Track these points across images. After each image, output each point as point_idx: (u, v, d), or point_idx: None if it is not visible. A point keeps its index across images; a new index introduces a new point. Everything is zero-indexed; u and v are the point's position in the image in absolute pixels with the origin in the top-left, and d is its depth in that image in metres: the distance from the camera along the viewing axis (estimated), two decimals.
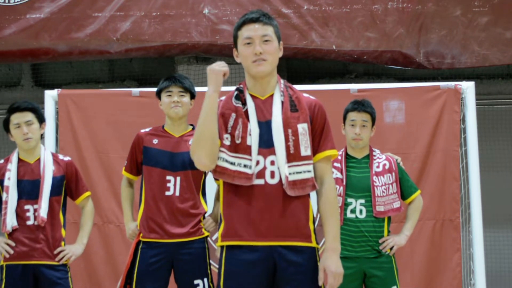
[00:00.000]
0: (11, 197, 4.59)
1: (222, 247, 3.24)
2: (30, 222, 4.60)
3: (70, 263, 4.76)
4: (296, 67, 8.76)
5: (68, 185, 4.81)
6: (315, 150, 3.28)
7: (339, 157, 4.74)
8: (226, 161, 3.21)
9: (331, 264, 3.16)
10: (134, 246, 4.68)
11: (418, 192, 4.84)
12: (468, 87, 6.16)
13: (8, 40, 7.46)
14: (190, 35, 7.43)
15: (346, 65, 8.83)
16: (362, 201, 4.65)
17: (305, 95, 3.40)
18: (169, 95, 4.74)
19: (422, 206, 4.89)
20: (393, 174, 4.72)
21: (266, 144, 3.21)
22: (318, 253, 3.24)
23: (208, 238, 4.80)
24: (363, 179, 4.69)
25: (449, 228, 6.07)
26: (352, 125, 4.74)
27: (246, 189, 3.17)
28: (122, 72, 8.94)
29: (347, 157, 4.77)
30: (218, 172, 3.22)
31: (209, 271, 4.71)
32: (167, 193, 4.66)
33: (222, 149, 3.21)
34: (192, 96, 4.83)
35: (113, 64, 8.97)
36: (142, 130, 4.85)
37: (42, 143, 4.92)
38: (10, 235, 4.60)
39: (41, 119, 4.73)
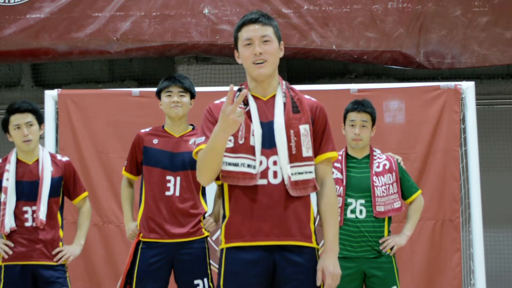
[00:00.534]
0: (10, 198, 4.57)
1: (222, 249, 3.25)
2: (28, 224, 4.59)
3: (68, 263, 4.76)
4: (296, 67, 8.76)
5: (66, 186, 4.80)
6: (316, 151, 3.31)
7: (339, 157, 4.74)
8: (230, 164, 3.21)
9: (329, 265, 3.19)
10: (134, 246, 4.69)
11: (419, 192, 4.84)
12: (468, 87, 6.16)
13: (8, 40, 7.46)
14: (190, 35, 7.43)
15: (346, 65, 8.83)
16: (362, 201, 4.64)
17: (307, 96, 3.41)
18: (169, 95, 4.74)
19: (423, 206, 4.88)
20: (394, 174, 4.72)
21: (269, 144, 3.23)
22: (318, 254, 3.26)
23: (208, 238, 4.81)
24: (363, 179, 4.69)
25: (449, 228, 6.07)
26: (352, 125, 4.73)
27: (249, 189, 3.18)
28: (122, 72, 8.94)
29: (348, 157, 4.77)
30: (224, 176, 3.22)
31: (209, 271, 4.71)
32: (167, 193, 4.66)
33: (226, 153, 3.20)
34: (192, 96, 4.83)
35: (113, 64, 8.97)
36: (142, 130, 4.85)
37: (42, 143, 4.91)
38: (8, 236, 4.59)
39: (40, 120, 4.71)
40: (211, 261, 4.77)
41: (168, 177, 4.67)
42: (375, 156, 4.77)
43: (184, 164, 4.69)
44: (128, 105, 6.23)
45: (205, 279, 4.67)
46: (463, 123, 6.16)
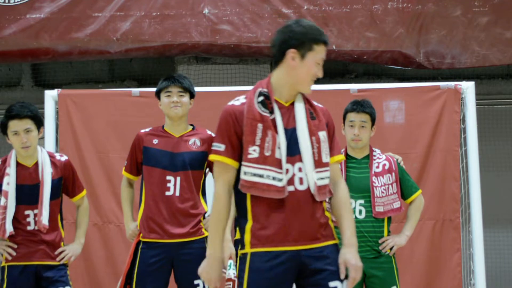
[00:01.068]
0: (10, 203, 4.53)
1: (246, 253, 3.26)
2: (30, 227, 4.58)
3: (70, 262, 4.76)
4: None
5: (65, 185, 4.77)
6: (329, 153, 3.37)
7: None
8: (255, 174, 3.20)
9: (351, 258, 3.24)
10: (134, 246, 4.69)
11: (419, 191, 4.83)
12: (468, 87, 6.15)
13: (8, 40, 7.46)
14: (190, 35, 7.43)
15: (346, 65, 8.82)
16: (362, 201, 4.63)
17: (315, 103, 3.43)
18: (169, 95, 4.74)
19: (423, 206, 4.88)
20: (393, 174, 4.71)
21: (293, 151, 3.24)
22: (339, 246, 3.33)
23: None
24: (363, 179, 4.68)
25: (449, 228, 6.07)
26: (351, 126, 4.72)
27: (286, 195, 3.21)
28: (122, 72, 8.93)
29: (347, 157, 4.76)
30: (247, 186, 3.21)
31: None
32: (167, 193, 4.66)
33: (248, 163, 3.20)
34: (192, 95, 4.83)
35: (113, 64, 8.96)
36: (142, 130, 4.85)
37: (42, 143, 4.90)
38: (11, 238, 4.58)
39: (39, 125, 4.63)
40: None
41: (168, 177, 4.67)
42: (374, 156, 4.76)
43: (184, 164, 4.69)
44: (128, 105, 6.22)
45: None
46: (463, 123, 6.15)
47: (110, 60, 8.70)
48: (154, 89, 4.94)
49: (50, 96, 6.25)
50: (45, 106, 6.21)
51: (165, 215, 4.64)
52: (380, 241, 4.60)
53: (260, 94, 3.27)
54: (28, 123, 4.53)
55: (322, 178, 3.24)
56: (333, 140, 3.38)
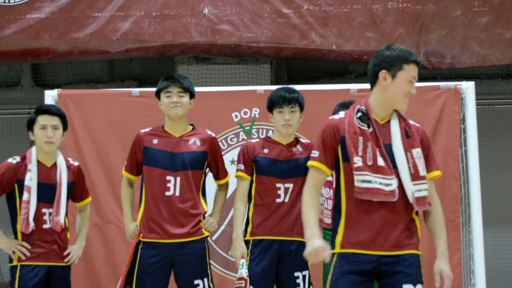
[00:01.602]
0: (33, 199, 4.61)
1: (334, 253, 3.56)
2: (46, 226, 4.66)
3: (74, 264, 4.85)
4: (296, 67, 8.76)
5: (74, 189, 4.87)
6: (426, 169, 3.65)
7: None
8: (364, 181, 3.53)
9: (445, 269, 3.68)
10: (134, 246, 4.69)
11: None
12: (468, 87, 6.15)
13: (8, 40, 7.46)
14: (190, 35, 7.43)
15: (346, 65, 8.83)
16: None
17: (411, 122, 3.71)
18: (168, 96, 4.73)
19: None
20: None
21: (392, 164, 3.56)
22: (420, 258, 3.70)
23: (208, 238, 4.81)
24: None
25: (449, 228, 6.03)
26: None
27: (375, 203, 3.52)
28: (122, 72, 8.94)
29: None
30: (359, 192, 3.53)
31: (209, 271, 4.71)
32: (167, 193, 4.66)
33: (357, 172, 3.53)
34: (192, 95, 4.82)
35: (113, 64, 8.97)
36: (142, 130, 4.85)
37: None
38: (26, 236, 4.63)
39: (65, 127, 4.79)
40: (211, 261, 4.77)
41: (168, 177, 4.67)
42: None
43: (184, 164, 4.69)
44: (128, 105, 6.22)
45: (205, 279, 4.67)
46: (463, 123, 6.15)
47: (110, 60, 8.70)
48: (154, 89, 4.94)
49: (50, 96, 6.25)
50: None
51: (165, 215, 4.64)
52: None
53: (359, 110, 3.62)
54: (57, 120, 4.71)
55: (419, 190, 3.55)
56: (429, 157, 3.68)
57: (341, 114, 3.65)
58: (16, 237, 4.66)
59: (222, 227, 5.92)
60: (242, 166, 4.77)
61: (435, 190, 3.73)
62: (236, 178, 4.83)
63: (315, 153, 3.66)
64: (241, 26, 7.40)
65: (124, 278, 4.66)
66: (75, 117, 6.20)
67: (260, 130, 6.03)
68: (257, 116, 6.05)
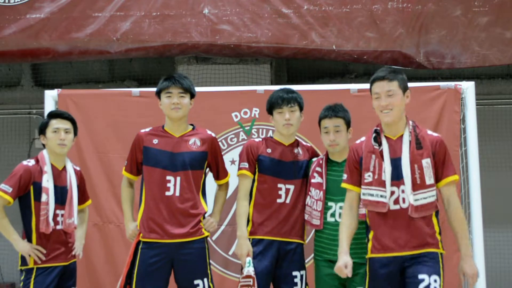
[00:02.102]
0: (51, 200, 4.73)
1: (368, 258, 4.22)
2: (59, 227, 4.79)
3: (79, 259, 4.99)
4: (296, 67, 8.76)
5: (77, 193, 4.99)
6: (440, 177, 4.14)
7: (320, 161, 4.80)
8: (368, 194, 4.15)
9: (468, 269, 4.12)
10: (134, 246, 4.69)
11: None
12: (468, 87, 6.15)
13: (8, 40, 7.46)
14: (190, 35, 7.43)
15: (346, 65, 8.83)
16: (342, 204, 4.58)
17: (429, 132, 4.20)
18: (169, 96, 4.73)
19: None
20: None
21: (397, 176, 4.09)
22: (441, 257, 4.15)
23: (208, 238, 4.80)
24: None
25: (449, 228, 6.05)
26: (326, 132, 4.78)
27: (389, 212, 4.09)
28: (122, 72, 8.94)
29: (328, 161, 4.80)
30: (364, 204, 4.18)
31: (209, 271, 4.71)
32: (167, 193, 4.66)
33: (364, 186, 4.16)
34: (192, 95, 4.82)
35: (113, 64, 8.97)
36: (142, 130, 4.85)
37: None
38: (41, 238, 4.73)
39: (76, 132, 4.96)
40: (211, 261, 4.77)
41: (168, 177, 4.67)
42: None
43: (184, 164, 4.69)
44: (128, 105, 6.22)
45: (205, 279, 4.67)
46: (463, 123, 6.15)
47: (110, 60, 8.71)
48: (154, 89, 4.94)
49: (50, 96, 6.25)
50: (45, 106, 6.21)
51: (165, 215, 4.64)
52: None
53: (375, 131, 4.21)
54: (69, 124, 4.91)
55: (425, 198, 4.05)
56: (444, 163, 4.13)
57: (362, 138, 4.27)
58: (29, 239, 4.74)
59: (222, 227, 5.92)
60: (246, 165, 4.78)
61: (453, 193, 4.13)
62: (238, 176, 4.83)
63: (344, 176, 4.35)
64: (241, 26, 7.40)
65: (124, 278, 4.67)
66: (75, 117, 6.16)
67: (260, 130, 6.03)
68: (257, 116, 6.04)
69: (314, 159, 4.92)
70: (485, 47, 7.42)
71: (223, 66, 8.20)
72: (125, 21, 7.44)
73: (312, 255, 4.89)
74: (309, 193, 4.77)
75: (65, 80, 8.84)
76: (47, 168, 4.77)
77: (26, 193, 4.74)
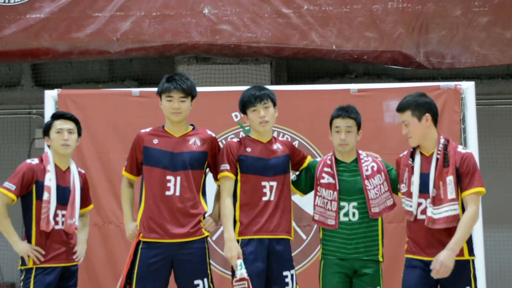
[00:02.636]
0: (53, 198, 4.74)
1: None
2: (58, 227, 4.78)
3: (79, 263, 4.97)
4: (296, 67, 8.76)
5: (80, 195, 4.97)
6: (464, 188, 4.50)
7: (329, 162, 4.82)
8: (403, 203, 4.63)
9: (440, 257, 4.40)
10: (134, 246, 4.68)
11: None
12: (468, 87, 6.15)
13: (8, 40, 7.47)
14: (190, 35, 7.43)
15: (346, 65, 8.83)
16: (355, 203, 4.71)
17: (459, 149, 4.59)
18: (170, 100, 4.72)
19: None
20: (383, 174, 4.82)
21: (426, 190, 4.52)
22: (472, 264, 4.63)
23: (208, 238, 4.80)
24: (354, 182, 4.76)
25: None
26: (337, 131, 4.81)
27: (418, 221, 4.54)
28: (122, 72, 8.95)
29: (337, 161, 4.82)
30: (404, 212, 4.64)
31: (209, 271, 4.71)
32: (167, 193, 4.66)
33: (401, 196, 4.66)
34: (193, 97, 4.81)
35: (113, 64, 8.98)
36: (143, 130, 4.84)
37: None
38: (41, 237, 4.73)
39: (80, 132, 4.97)
40: (211, 261, 4.77)
41: (168, 177, 4.67)
42: (362, 159, 4.83)
43: (185, 164, 4.69)
44: (128, 105, 6.22)
45: (205, 279, 4.66)
46: (463, 123, 6.15)
47: (110, 60, 8.71)
48: (154, 89, 4.93)
49: (50, 96, 6.25)
50: (45, 106, 6.21)
51: (165, 215, 4.64)
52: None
53: (413, 147, 4.64)
54: (72, 125, 4.93)
55: (446, 211, 4.45)
56: (469, 177, 4.49)
57: (405, 152, 4.73)
58: (29, 238, 4.74)
59: (222, 227, 5.91)
60: (227, 166, 4.73)
61: (471, 202, 4.47)
62: (220, 179, 4.78)
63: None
64: (241, 26, 7.40)
65: (124, 278, 4.66)
66: None
67: None
68: None
69: (318, 159, 4.94)
70: (485, 47, 7.42)
71: (223, 66, 8.20)
72: (125, 21, 7.44)
73: (314, 253, 4.90)
74: (318, 193, 4.78)
75: (65, 80, 8.84)
76: (50, 167, 4.78)
77: (28, 192, 4.75)
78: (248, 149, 4.76)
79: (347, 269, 4.69)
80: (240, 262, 4.59)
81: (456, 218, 4.48)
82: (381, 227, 4.77)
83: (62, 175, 4.84)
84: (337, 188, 4.72)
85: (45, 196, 4.72)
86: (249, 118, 4.79)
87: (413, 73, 8.49)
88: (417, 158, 4.59)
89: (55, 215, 4.74)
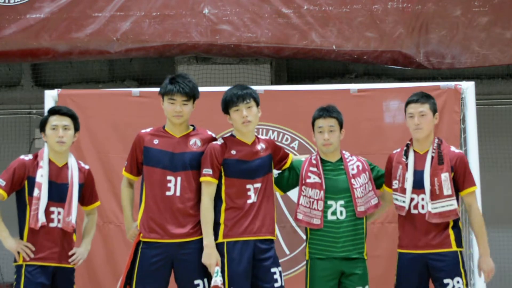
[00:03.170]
0: (43, 195, 4.66)
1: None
2: (53, 224, 4.70)
3: (77, 266, 4.87)
4: (296, 67, 8.77)
5: (83, 192, 4.90)
6: (461, 188, 4.78)
7: (314, 162, 4.85)
8: (395, 198, 4.83)
9: (484, 266, 4.80)
10: (134, 246, 4.68)
11: None
12: (468, 87, 6.15)
13: (8, 40, 7.47)
14: (190, 35, 7.43)
15: (346, 65, 8.83)
16: (342, 202, 4.75)
17: (452, 149, 4.84)
18: (172, 103, 4.71)
19: None
20: (367, 173, 4.88)
21: (419, 186, 4.73)
22: (460, 254, 4.72)
23: None
24: (340, 181, 4.80)
25: None
26: (320, 131, 4.83)
27: (410, 216, 4.76)
28: (122, 72, 8.95)
29: (322, 161, 4.85)
30: (395, 208, 4.87)
31: (209, 271, 4.71)
32: (167, 193, 4.66)
33: (393, 192, 4.85)
34: (195, 99, 4.81)
35: (113, 64, 8.98)
36: (143, 130, 4.84)
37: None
38: (33, 234, 4.66)
39: (77, 127, 4.86)
40: None
41: (168, 177, 4.67)
42: (347, 159, 4.87)
43: (185, 164, 4.69)
44: (128, 105, 6.22)
45: (205, 279, 4.66)
46: (463, 123, 6.15)
47: (110, 60, 8.71)
48: (154, 89, 4.94)
49: (50, 96, 6.25)
50: (45, 106, 6.21)
51: (166, 215, 4.64)
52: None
53: (406, 145, 4.85)
54: (67, 121, 4.80)
55: (442, 206, 4.68)
56: (465, 176, 4.77)
57: (398, 149, 4.91)
58: (21, 236, 4.69)
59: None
60: (210, 171, 4.67)
61: (472, 201, 4.79)
62: (202, 182, 4.72)
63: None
64: (241, 26, 7.40)
65: (124, 278, 4.66)
66: None
67: (260, 130, 6.03)
68: None
69: (303, 158, 4.95)
70: (485, 47, 7.42)
71: (223, 66, 8.20)
72: (125, 21, 7.44)
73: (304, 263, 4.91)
74: (303, 193, 4.79)
75: (65, 80, 8.84)
76: (43, 163, 4.71)
77: (22, 188, 4.70)
78: (233, 152, 4.73)
79: (335, 269, 4.71)
80: (217, 269, 4.56)
81: (452, 213, 4.71)
82: (365, 225, 4.83)
83: (58, 171, 4.76)
84: (324, 187, 4.75)
85: (35, 192, 4.65)
86: (232, 118, 4.77)
87: (413, 73, 8.49)
88: (411, 155, 4.81)
89: (50, 212, 4.67)
